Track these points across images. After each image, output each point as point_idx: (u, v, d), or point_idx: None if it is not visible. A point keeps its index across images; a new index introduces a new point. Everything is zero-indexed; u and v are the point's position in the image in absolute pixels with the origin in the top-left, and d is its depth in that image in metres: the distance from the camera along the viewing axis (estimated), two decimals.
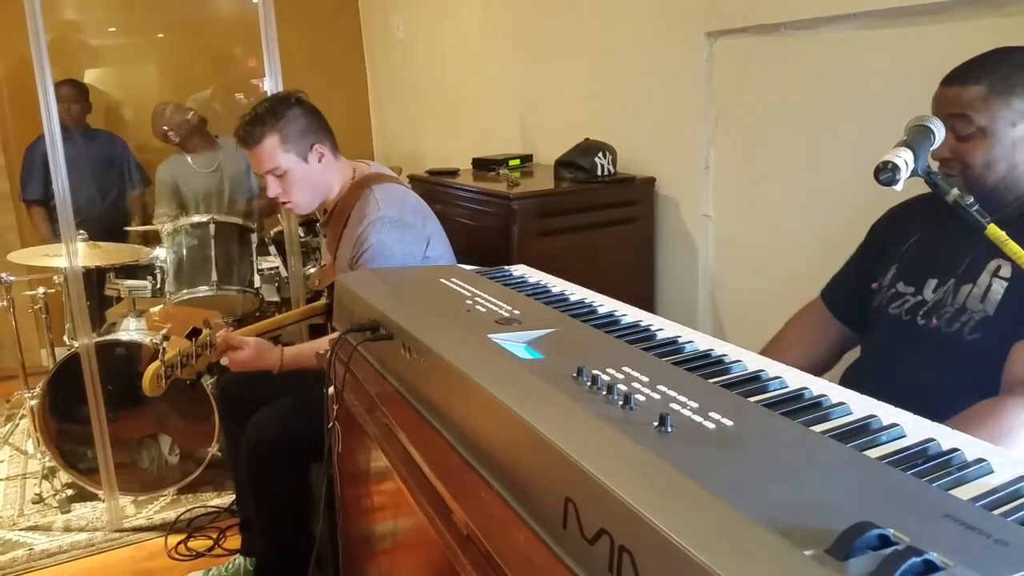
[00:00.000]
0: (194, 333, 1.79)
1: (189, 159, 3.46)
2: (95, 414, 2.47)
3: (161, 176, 3.47)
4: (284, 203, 1.93)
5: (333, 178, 1.94)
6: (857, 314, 1.44)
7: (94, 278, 3.03)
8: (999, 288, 1.17)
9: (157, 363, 1.75)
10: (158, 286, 2.86)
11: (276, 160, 1.84)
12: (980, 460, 0.71)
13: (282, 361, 1.84)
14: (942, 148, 1.26)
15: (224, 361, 1.83)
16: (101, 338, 2.63)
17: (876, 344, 1.34)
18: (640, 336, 1.05)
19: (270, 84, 2.59)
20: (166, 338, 2.42)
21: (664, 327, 1.09)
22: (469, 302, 1.16)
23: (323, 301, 2.07)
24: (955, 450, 0.73)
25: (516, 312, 1.09)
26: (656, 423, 0.72)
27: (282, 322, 2.00)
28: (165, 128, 3.41)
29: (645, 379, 0.84)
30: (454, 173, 2.58)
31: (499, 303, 1.13)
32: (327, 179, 1.93)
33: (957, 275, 1.24)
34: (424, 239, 1.89)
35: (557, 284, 1.34)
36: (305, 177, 1.88)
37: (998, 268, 1.18)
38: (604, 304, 1.22)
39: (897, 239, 1.39)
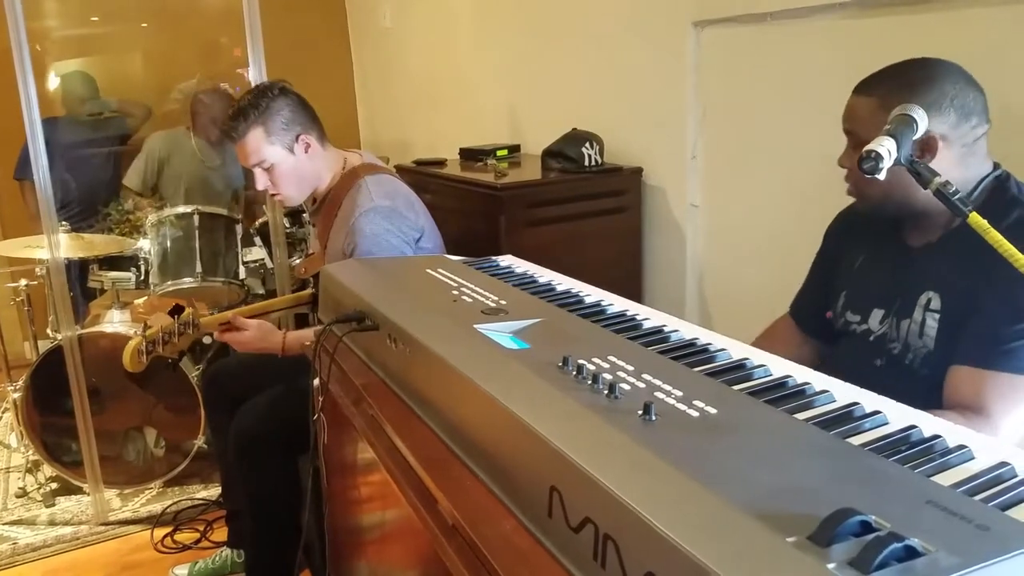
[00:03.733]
0: (176, 310, 1.78)
1: (194, 142, 3.42)
2: (79, 407, 2.45)
3: (155, 143, 3.41)
4: (274, 195, 1.92)
5: (322, 168, 1.92)
6: (824, 330, 1.43)
7: (77, 270, 3.00)
8: (932, 323, 1.17)
9: (138, 338, 1.74)
10: (142, 278, 2.84)
11: (261, 154, 1.83)
12: (961, 446, 0.72)
13: (284, 345, 1.83)
14: (843, 158, 1.27)
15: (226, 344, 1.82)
16: (85, 330, 2.60)
17: (840, 366, 1.34)
18: (626, 325, 1.06)
19: (254, 73, 2.56)
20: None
21: (650, 316, 1.09)
22: (456, 292, 1.15)
23: (309, 291, 2.06)
24: (937, 436, 0.74)
25: (503, 302, 1.08)
26: (640, 412, 0.72)
27: (267, 308, 1.98)
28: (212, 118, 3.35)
29: (630, 368, 0.84)
30: (441, 163, 2.56)
31: (486, 293, 1.13)
32: (315, 169, 1.91)
33: (895, 309, 1.24)
34: (418, 230, 1.88)
35: (544, 274, 1.34)
36: (293, 169, 1.86)
37: (928, 302, 1.18)
38: (591, 294, 1.22)
39: (847, 256, 1.38)
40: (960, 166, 1.15)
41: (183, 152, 3.42)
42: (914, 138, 1.02)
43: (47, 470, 2.72)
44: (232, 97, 3.40)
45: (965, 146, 1.16)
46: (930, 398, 1.12)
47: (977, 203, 1.14)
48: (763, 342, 1.51)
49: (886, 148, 0.97)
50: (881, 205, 1.24)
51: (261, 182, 1.87)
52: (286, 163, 1.85)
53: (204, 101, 3.44)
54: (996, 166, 1.21)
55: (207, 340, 1.84)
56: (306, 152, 1.87)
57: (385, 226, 1.80)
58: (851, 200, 1.33)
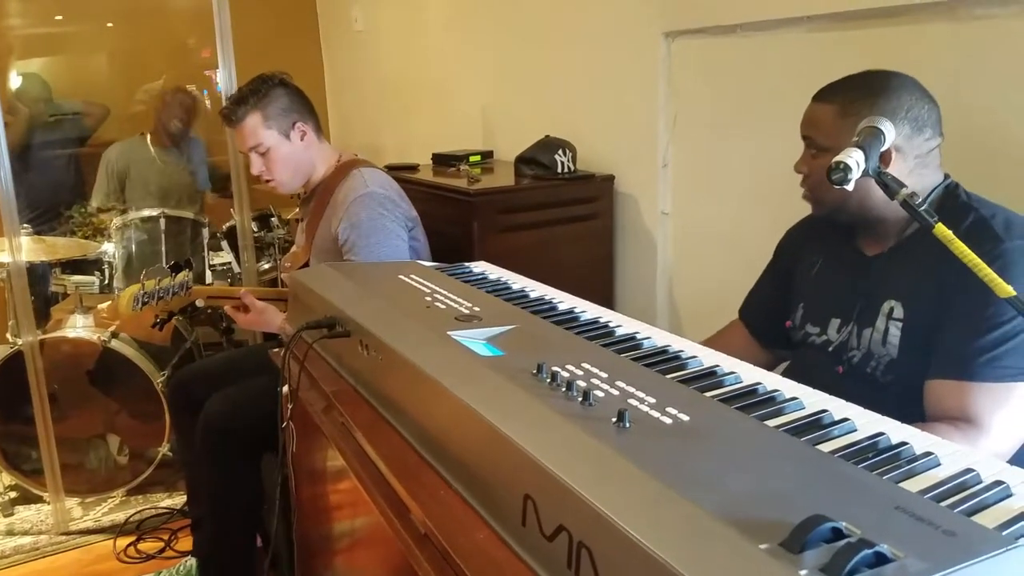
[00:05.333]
0: (175, 268, 1.81)
1: (151, 147, 3.35)
2: (40, 413, 2.39)
3: (112, 157, 3.32)
4: (267, 181, 1.95)
5: (316, 158, 1.97)
6: (779, 338, 1.44)
7: (39, 273, 2.93)
8: (895, 331, 1.19)
9: (138, 285, 1.75)
10: (106, 282, 2.78)
11: (258, 137, 1.87)
12: (928, 453, 0.73)
13: (284, 328, 1.82)
14: (800, 163, 1.29)
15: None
16: (46, 335, 2.54)
17: (801, 374, 1.36)
18: (599, 332, 1.06)
19: (223, 75, 2.53)
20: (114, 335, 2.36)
21: (623, 323, 1.10)
22: (428, 299, 1.15)
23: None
24: (904, 444, 0.75)
25: (476, 309, 1.08)
26: (615, 419, 0.72)
27: (263, 295, 1.96)
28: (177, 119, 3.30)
29: (604, 375, 0.84)
30: (414, 168, 2.55)
31: (459, 300, 1.13)
32: (310, 157, 1.96)
33: (855, 317, 1.26)
34: (411, 220, 1.93)
35: (517, 281, 1.34)
36: (288, 155, 1.91)
37: (891, 310, 1.20)
38: (564, 301, 1.22)
39: (801, 268, 1.40)
40: (912, 177, 1.18)
41: (142, 160, 3.33)
42: (882, 149, 1.04)
43: (6, 478, 2.64)
44: (195, 98, 3.37)
45: (918, 157, 1.19)
46: (893, 405, 1.14)
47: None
48: (712, 345, 1.52)
49: (854, 159, 0.99)
50: (837, 210, 1.26)
51: (256, 166, 1.92)
52: (281, 148, 1.90)
53: (165, 100, 3.38)
54: (947, 177, 1.23)
55: (200, 304, 1.86)
56: (302, 140, 1.92)
57: (380, 211, 1.84)
58: (806, 214, 1.35)
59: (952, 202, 1.20)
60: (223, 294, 1.92)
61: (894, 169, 1.14)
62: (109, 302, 2.80)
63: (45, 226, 3.27)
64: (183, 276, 1.80)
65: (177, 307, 1.84)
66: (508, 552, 0.71)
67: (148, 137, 3.36)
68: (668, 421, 0.74)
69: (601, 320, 1.12)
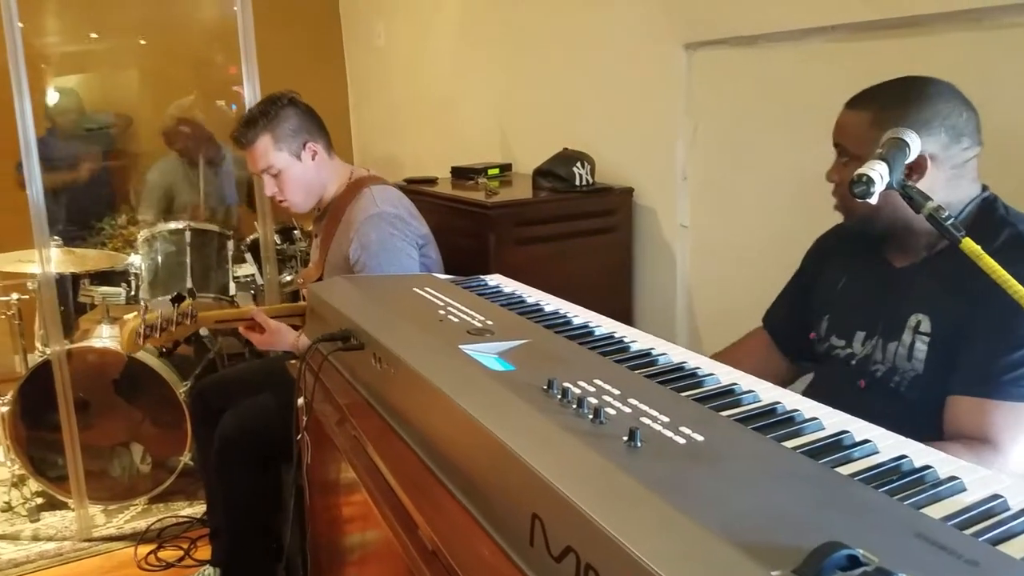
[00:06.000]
0: (178, 299, 1.81)
1: (184, 166, 3.42)
2: (66, 421, 2.43)
3: (154, 178, 3.41)
4: (280, 202, 1.96)
5: (328, 176, 1.97)
6: (803, 350, 1.42)
7: (68, 284, 2.98)
8: (922, 346, 1.15)
9: (137, 320, 1.75)
10: (132, 293, 2.82)
11: (269, 159, 1.88)
12: (953, 478, 0.70)
13: (298, 344, 1.82)
14: (832, 171, 1.26)
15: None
16: (73, 345, 2.58)
17: (823, 387, 1.33)
18: (614, 348, 1.04)
19: (249, 90, 2.56)
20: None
21: (638, 339, 1.08)
22: (442, 312, 1.14)
23: (303, 302, 2.05)
24: (928, 467, 0.72)
25: (489, 323, 1.07)
26: (625, 438, 0.71)
27: (272, 314, 1.97)
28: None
29: (616, 392, 0.82)
30: (432, 181, 2.56)
31: (472, 313, 1.12)
32: (321, 177, 1.95)
33: (880, 331, 1.23)
34: (422, 238, 1.92)
35: (532, 294, 1.33)
36: (300, 175, 1.91)
37: (918, 324, 1.16)
38: (579, 315, 1.20)
39: (827, 279, 1.37)
40: (948, 187, 1.15)
41: (182, 178, 3.42)
42: (907, 161, 1.02)
43: (32, 485, 2.68)
44: (196, 125, 3.43)
45: (955, 168, 1.15)
46: (917, 422, 1.11)
47: (965, 225, 1.13)
48: (733, 352, 1.50)
49: (878, 172, 0.97)
50: (869, 221, 1.23)
51: (269, 188, 1.92)
52: (293, 169, 1.90)
53: (182, 128, 3.43)
54: (985, 188, 1.20)
55: (204, 333, 1.87)
56: (313, 160, 1.92)
57: (389, 231, 1.83)
58: (835, 223, 1.33)
59: (988, 216, 1.16)
60: (232, 317, 1.91)
61: (929, 179, 1.11)
62: (134, 313, 2.84)
63: (76, 238, 3.34)
64: (186, 305, 1.80)
65: (183, 336, 1.83)
66: (515, 571, 0.69)
67: (181, 157, 3.43)
68: (681, 441, 0.72)
69: (616, 335, 1.10)
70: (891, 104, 1.15)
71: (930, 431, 1.11)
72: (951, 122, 1.13)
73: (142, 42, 4.09)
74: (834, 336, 1.32)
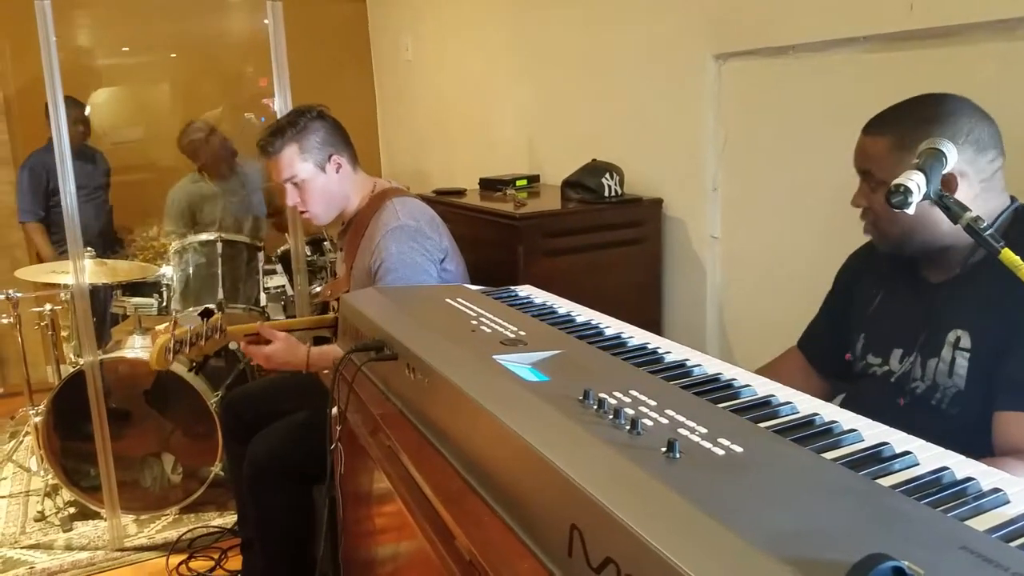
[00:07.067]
0: (207, 313, 1.81)
1: (206, 182, 3.46)
2: (99, 432, 2.46)
3: (176, 197, 3.46)
4: (302, 212, 1.96)
5: (351, 189, 1.97)
6: (839, 371, 1.40)
7: (101, 295, 3.03)
8: (963, 362, 1.14)
9: (167, 336, 1.75)
10: (164, 304, 2.86)
11: (294, 169, 1.89)
12: (996, 490, 0.69)
13: (308, 360, 1.83)
14: (858, 197, 1.25)
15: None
16: (106, 355, 2.62)
17: (861, 406, 1.31)
18: (647, 359, 1.04)
19: (280, 103, 2.60)
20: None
21: (672, 350, 1.08)
22: (474, 322, 1.15)
23: (332, 315, 2.06)
24: (970, 479, 0.71)
25: (522, 333, 1.08)
26: (664, 449, 0.71)
27: (288, 327, 1.99)
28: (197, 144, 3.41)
29: (653, 403, 0.82)
30: (461, 193, 2.57)
31: (505, 324, 1.12)
32: (345, 190, 1.96)
33: (919, 347, 1.21)
34: (442, 251, 1.92)
35: (563, 305, 1.33)
36: (323, 187, 1.92)
37: (958, 340, 1.15)
38: (611, 326, 1.20)
39: (862, 297, 1.36)
40: (979, 201, 1.13)
41: (208, 196, 3.46)
42: (944, 172, 1.01)
43: (65, 494, 2.72)
44: (202, 140, 3.45)
45: (983, 180, 1.14)
46: (960, 438, 1.09)
47: (999, 235, 1.12)
48: (768, 373, 1.48)
49: (915, 182, 0.96)
50: (901, 243, 1.22)
51: (291, 198, 1.93)
52: (317, 180, 1.90)
53: (202, 140, 3.47)
54: (1012, 199, 1.19)
55: (233, 347, 1.86)
56: (337, 172, 1.93)
57: (410, 244, 1.83)
58: (868, 238, 1.31)
59: (1022, 226, 1.15)
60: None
61: (961, 195, 1.10)
62: (166, 324, 2.89)
63: (108, 251, 3.40)
64: (216, 319, 1.79)
65: (212, 350, 1.83)
66: None
67: (202, 174, 3.47)
68: (720, 452, 0.71)
69: (649, 346, 1.10)
70: (914, 125, 1.14)
71: (973, 447, 1.09)
72: (975, 136, 1.13)
73: (173, 56, 4.18)
74: (870, 355, 1.31)
